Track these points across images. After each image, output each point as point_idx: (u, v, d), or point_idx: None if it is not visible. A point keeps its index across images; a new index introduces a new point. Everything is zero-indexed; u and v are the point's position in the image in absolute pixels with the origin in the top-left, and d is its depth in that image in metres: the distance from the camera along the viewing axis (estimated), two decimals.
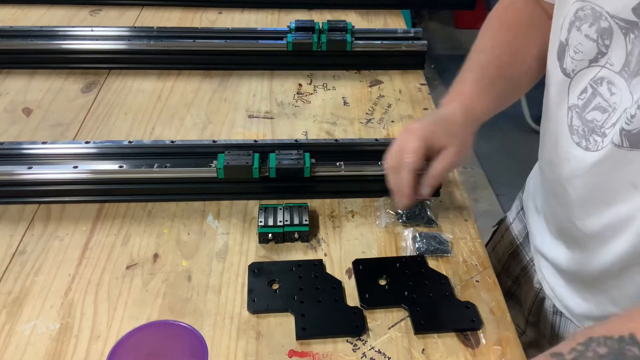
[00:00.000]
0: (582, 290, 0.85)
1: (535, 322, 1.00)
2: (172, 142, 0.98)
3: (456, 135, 0.80)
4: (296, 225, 0.87)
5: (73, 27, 1.32)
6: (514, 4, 0.88)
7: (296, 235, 0.87)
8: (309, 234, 0.88)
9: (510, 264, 1.05)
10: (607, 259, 0.75)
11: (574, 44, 0.71)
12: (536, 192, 0.96)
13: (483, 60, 0.86)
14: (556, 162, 0.79)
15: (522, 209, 1.04)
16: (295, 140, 1.00)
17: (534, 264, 0.98)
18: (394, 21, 1.47)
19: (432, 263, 0.86)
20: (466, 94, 0.84)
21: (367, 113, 1.16)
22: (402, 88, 1.24)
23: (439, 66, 3.36)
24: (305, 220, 0.88)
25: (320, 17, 1.45)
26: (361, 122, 1.13)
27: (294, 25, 1.27)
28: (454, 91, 0.85)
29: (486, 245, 1.12)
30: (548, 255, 0.91)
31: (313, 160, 0.94)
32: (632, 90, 0.65)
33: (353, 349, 0.74)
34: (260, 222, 0.87)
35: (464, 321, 0.77)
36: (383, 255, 0.87)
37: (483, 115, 0.84)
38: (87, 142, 0.98)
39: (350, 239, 0.89)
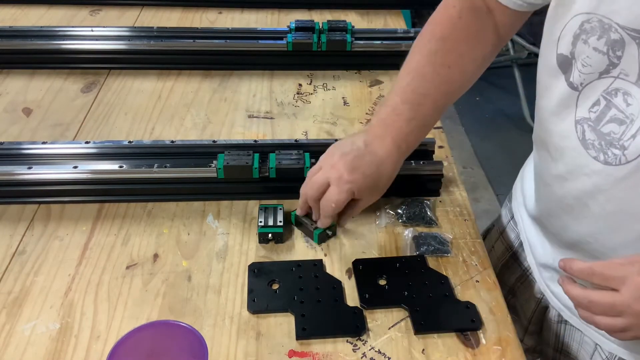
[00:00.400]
0: None
1: (537, 331, 0.99)
2: (172, 142, 0.98)
3: (380, 192, 0.84)
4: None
5: (73, 27, 1.32)
6: (446, 18, 0.86)
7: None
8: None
9: (505, 275, 1.03)
10: None
11: (581, 57, 0.69)
12: (529, 203, 0.94)
13: (419, 88, 0.83)
14: (570, 177, 0.76)
15: (512, 217, 1.03)
16: (295, 140, 1.00)
17: (531, 273, 0.97)
18: (394, 21, 1.47)
19: (432, 263, 0.86)
20: (400, 135, 0.83)
21: (367, 113, 1.16)
22: None
23: None
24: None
25: (320, 17, 1.45)
26: (361, 122, 1.13)
27: (294, 25, 1.27)
28: (389, 122, 0.83)
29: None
30: (554, 266, 0.88)
31: (313, 160, 0.93)
32: None
33: (353, 349, 0.74)
34: (260, 222, 0.87)
35: (464, 321, 0.77)
36: (383, 255, 0.87)
37: (409, 152, 0.86)
38: (87, 142, 0.98)
39: (350, 239, 0.89)
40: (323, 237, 0.88)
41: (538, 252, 0.93)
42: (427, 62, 0.84)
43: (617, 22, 0.64)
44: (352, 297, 0.81)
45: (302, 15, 1.46)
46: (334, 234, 0.89)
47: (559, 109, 0.75)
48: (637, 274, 0.61)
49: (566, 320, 0.90)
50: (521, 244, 0.99)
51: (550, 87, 0.75)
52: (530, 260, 0.96)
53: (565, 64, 0.72)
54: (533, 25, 1.01)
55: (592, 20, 0.66)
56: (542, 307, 0.95)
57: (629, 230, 0.73)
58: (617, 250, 0.75)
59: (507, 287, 1.02)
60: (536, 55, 1.14)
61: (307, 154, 0.94)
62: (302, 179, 0.93)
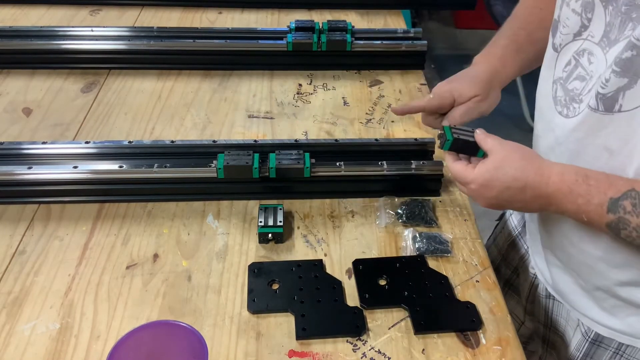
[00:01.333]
0: (560, 261, 0.87)
1: (532, 310, 1.01)
2: (172, 142, 0.98)
3: (481, 87, 0.92)
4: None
5: (73, 27, 1.32)
6: None
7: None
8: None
9: (510, 254, 1.06)
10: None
11: (563, 19, 0.77)
12: None
13: (515, 25, 0.95)
14: (542, 134, 0.83)
15: None
16: (295, 140, 1.00)
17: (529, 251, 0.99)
18: (394, 21, 1.47)
19: (432, 263, 0.86)
20: (496, 57, 0.94)
21: (367, 113, 1.16)
22: (402, 88, 1.24)
23: (439, 66, 3.36)
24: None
25: (320, 17, 1.45)
26: (361, 122, 1.13)
27: (294, 25, 1.27)
28: (486, 52, 0.96)
29: (488, 238, 1.13)
30: (535, 233, 0.92)
31: (313, 160, 0.94)
32: (607, 58, 0.70)
33: (353, 349, 0.74)
34: (260, 222, 0.87)
35: (464, 321, 0.77)
36: (383, 255, 0.87)
37: (507, 78, 0.95)
38: (87, 142, 0.98)
39: (350, 239, 0.89)
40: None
41: (531, 224, 0.96)
42: (524, 6, 0.97)
43: None
44: (352, 297, 0.81)
45: (302, 15, 1.46)
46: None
47: (545, 71, 0.82)
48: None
49: (553, 296, 0.92)
50: (525, 224, 1.01)
51: (546, 51, 0.83)
52: (528, 235, 0.98)
53: (554, 27, 0.80)
54: None
55: None
56: (535, 285, 0.97)
57: None
58: None
59: (511, 267, 1.05)
60: None
61: (307, 154, 0.94)
62: (302, 179, 0.93)
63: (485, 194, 0.77)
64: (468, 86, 0.92)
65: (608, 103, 0.70)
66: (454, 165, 0.80)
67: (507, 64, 0.94)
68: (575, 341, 0.89)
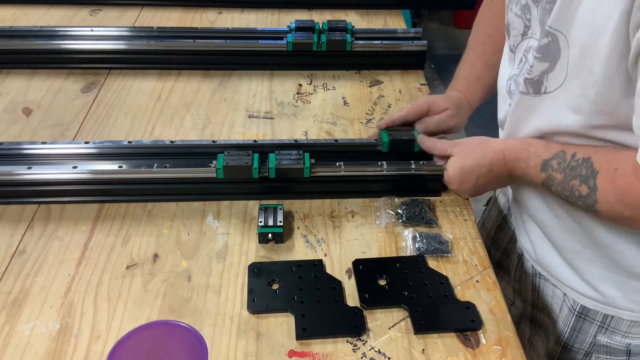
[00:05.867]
0: (539, 229, 0.92)
1: (520, 290, 1.03)
2: (172, 142, 0.98)
3: (454, 104, 1.01)
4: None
5: (73, 27, 1.32)
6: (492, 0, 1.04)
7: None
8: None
9: (499, 236, 1.09)
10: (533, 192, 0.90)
11: (510, 22, 0.85)
12: None
13: (471, 57, 1.05)
14: (501, 125, 0.94)
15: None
16: (295, 140, 1.00)
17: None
18: (394, 21, 1.47)
19: (432, 263, 0.86)
20: (461, 88, 1.04)
21: (367, 113, 1.16)
22: (402, 88, 1.24)
23: (439, 66, 3.35)
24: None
25: (320, 17, 1.45)
26: (361, 122, 1.13)
27: (294, 25, 1.27)
28: (452, 85, 1.06)
29: (477, 222, 1.14)
30: (516, 208, 0.99)
31: (313, 161, 0.94)
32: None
33: (353, 349, 0.74)
34: (260, 222, 0.87)
35: (464, 321, 0.77)
36: (383, 255, 0.87)
37: (474, 104, 1.05)
38: (86, 142, 0.98)
39: (350, 239, 0.89)
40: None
41: (510, 199, 1.05)
42: (478, 32, 1.06)
43: None
44: (352, 297, 0.81)
45: (302, 15, 1.46)
46: None
47: (503, 69, 0.92)
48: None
49: (540, 273, 0.95)
50: (509, 206, 1.05)
51: (504, 53, 0.92)
52: (512, 217, 1.03)
53: (507, 31, 0.88)
54: None
55: None
56: (521, 264, 1.00)
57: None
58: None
59: (501, 249, 1.08)
60: None
61: (307, 154, 0.94)
62: (302, 179, 0.93)
63: (465, 188, 0.92)
64: (442, 100, 1.02)
65: (536, 86, 0.79)
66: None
67: (470, 92, 1.04)
68: (563, 316, 0.92)
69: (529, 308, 1.01)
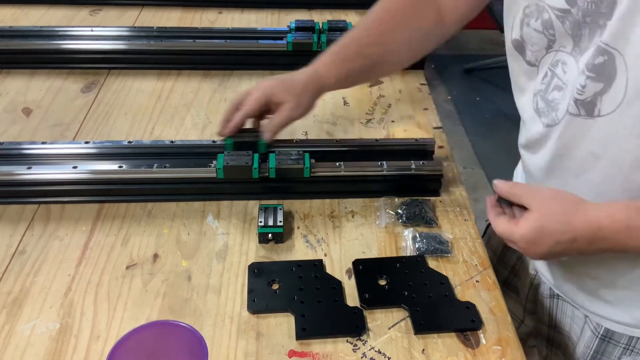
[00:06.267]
0: (564, 268, 0.87)
1: (533, 310, 1.00)
2: (172, 142, 0.98)
3: (294, 94, 0.91)
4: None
5: (73, 27, 1.32)
6: None
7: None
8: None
9: (506, 254, 1.06)
10: None
11: (527, 37, 0.78)
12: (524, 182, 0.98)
13: (347, 37, 0.95)
14: (531, 145, 0.84)
15: None
16: (295, 141, 1.00)
17: None
18: None
19: (432, 263, 0.86)
20: (321, 62, 0.94)
21: (367, 113, 1.16)
22: (402, 88, 1.24)
23: (439, 66, 3.35)
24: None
25: (320, 17, 1.45)
26: (361, 122, 1.13)
27: (294, 25, 1.27)
28: (319, 56, 0.95)
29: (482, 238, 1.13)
30: None
31: (313, 160, 0.94)
32: (579, 65, 0.72)
33: (353, 349, 0.74)
34: (260, 222, 0.87)
35: (464, 321, 0.77)
36: (383, 255, 0.87)
37: (330, 83, 0.94)
38: (86, 142, 0.98)
39: (350, 239, 0.89)
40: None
41: None
42: (367, 19, 0.96)
43: (548, 4, 0.73)
44: (352, 297, 0.81)
45: (302, 15, 1.46)
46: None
47: (524, 84, 0.83)
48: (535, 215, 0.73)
49: (557, 295, 0.92)
50: None
51: (514, 68, 0.84)
52: None
53: (519, 47, 0.81)
54: None
55: (531, 5, 0.75)
56: (536, 285, 0.97)
57: (567, 184, 0.78)
58: None
59: (509, 267, 1.05)
60: None
61: (306, 154, 0.94)
62: (302, 179, 0.93)
63: (535, 250, 0.74)
64: (281, 92, 0.92)
65: (588, 108, 0.72)
66: (497, 223, 0.77)
67: (331, 70, 0.94)
68: (585, 339, 0.88)
69: (545, 328, 0.98)
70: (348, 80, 0.96)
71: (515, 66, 0.83)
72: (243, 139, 0.95)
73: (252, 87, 0.94)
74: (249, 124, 0.96)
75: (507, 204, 0.78)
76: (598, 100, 0.70)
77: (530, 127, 0.83)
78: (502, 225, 0.75)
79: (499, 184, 0.78)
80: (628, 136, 0.69)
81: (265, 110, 0.93)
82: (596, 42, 0.69)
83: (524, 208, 0.75)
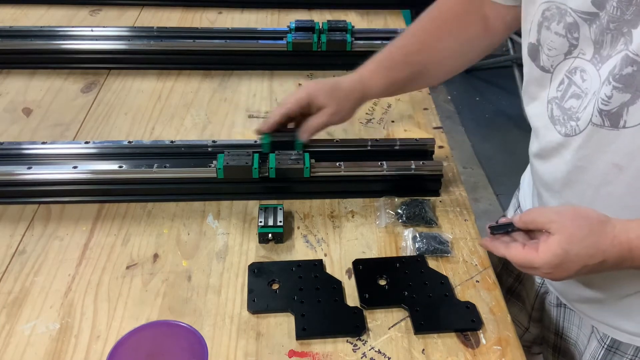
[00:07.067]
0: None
1: (539, 318, 1.00)
2: (172, 142, 0.98)
3: (336, 100, 0.92)
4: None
5: (73, 27, 1.32)
6: (445, 1, 0.95)
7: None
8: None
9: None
10: None
11: (546, 42, 0.75)
12: (532, 190, 0.97)
13: (393, 46, 0.96)
14: (544, 154, 0.82)
15: (519, 206, 1.05)
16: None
17: None
18: (394, 21, 1.47)
19: (432, 263, 0.86)
20: (365, 69, 0.95)
21: (367, 113, 1.16)
22: None
23: None
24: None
25: (320, 17, 1.45)
26: (361, 122, 1.13)
27: (294, 25, 1.27)
28: (365, 63, 0.96)
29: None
30: None
31: (313, 160, 0.94)
32: (601, 74, 0.69)
33: (353, 349, 0.74)
34: (260, 222, 0.87)
35: (464, 321, 0.77)
36: (383, 255, 0.87)
37: (373, 92, 0.95)
38: (86, 142, 0.98)
39: (350, 239, 0.89)
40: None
41: None
42: (412, 28, 0.96)
43: (571, 7, 0.70)
44: (352, 297, 0.81)
45: (302, 15, 1.46)
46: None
47: (535, 91, 0.81)
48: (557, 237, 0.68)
49: (564, 304, 0.91)
50: None
51: (527, 73, 0.82)
52: None
53: (533, 51, 0.78)
54: None
55: (551, 7, 0.73)
56: (543, 293, 0.97)
57: (591, 199, 0.76)
58: None
59: (513, 275, 1.04)
60: None
61: (306, 154, 0.94)
62: (302, 179, 0.93)
63: (560, 275, 0.70)
64: (323, 96, 0.92)
65: (613, 119, 0.69)
66: (512, 254, 0.71)
67: (375, 78, 0.94)
68: (591, 349, 0.87)
69: (552, 336, 0.97)
70: (392, 89, 0.96)
71: (527, 72, 0.81)
72: (280, 139, 0.95)
73: (297, 89, 0.95)
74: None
75: (504, 233, 0.74)
76: (624, 112, 0.68)
77: (544, 135, 0.80)
78: (519, 255, 0.70)
79: (515, 219, 0.73)
80: None
81: (306, 112, 0.93)
82: (621, 51, 0.66)
83: (525, 232, 0.72)
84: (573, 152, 0.75)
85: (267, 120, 0.94)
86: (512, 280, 1.05)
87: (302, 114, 0.93)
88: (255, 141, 0.99)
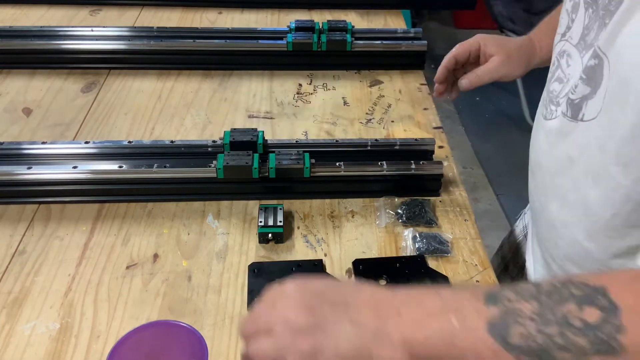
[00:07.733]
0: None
1: None
2: (172, 142, 0.98)
3: (507, 50, 0.93)
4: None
5: (73, 27, 1.32)
6: None
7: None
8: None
9: (508, 267, 1.05)
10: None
11: (561, 18, 0.76)
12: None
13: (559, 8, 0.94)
14: (534, 134, 0.83)
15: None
16: (296, 141, 1.00)
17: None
18: (394, 21, 1.47)
19: (432, 263, 0.86)
20: (536, 31, 0.97)
21: (367, 113, 1.16)
22: (402, 88, 1.24)
23: (438, 66, 3.35)
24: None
25: (320, 17, 1.45)
26: (361, 122, 1.13)
27: (294, 25, 1.27)
28: (538, 25, 0.98)
29: (496, 252, 1.13)
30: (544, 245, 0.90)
31: (313, 160, 0.94)
32: (583, 61, 0.69)
33: None
34: (260, 222, 0.87)
35: None
36: (383, 255, 0.87)
37: (543, 52, 0.95)
38: (86, 142, 0.98)
39: (350, 239, 0.89)
40: None
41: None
42: None
43: None
44: None
45: (302, 15, 1.46)
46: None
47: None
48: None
49: None
50: (526, 234, 1.01)
51: None
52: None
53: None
54: (533, 25, 1.02)
55: None
56: None
57: (549, 187, 0.76)
58: (555, 216, 0.77)
59: (513, 275, 1.04)
60: None
61: (306, 154, 0.94)
62: (302, 179, 0.93)
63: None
64: (493, 45, 0.93)
65: (575, 110, 0.69)
66: None
67: (545, 39, 0.93)
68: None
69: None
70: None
71: None
72: (240, 139, 0.95)
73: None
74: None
75: None
76: (584, 105, 0.68)
77: (537, 116, 0.82)
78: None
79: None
80: (595, 147, 0.67)
81: (474, 61, 0.95)
82: (594, 44, 0.66)
83: None
84: (544, 136, 0.77)
85: (439, 73, 0.98)
86: (510, 281, 1.04)
87: (466, 61, 0.96)
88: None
